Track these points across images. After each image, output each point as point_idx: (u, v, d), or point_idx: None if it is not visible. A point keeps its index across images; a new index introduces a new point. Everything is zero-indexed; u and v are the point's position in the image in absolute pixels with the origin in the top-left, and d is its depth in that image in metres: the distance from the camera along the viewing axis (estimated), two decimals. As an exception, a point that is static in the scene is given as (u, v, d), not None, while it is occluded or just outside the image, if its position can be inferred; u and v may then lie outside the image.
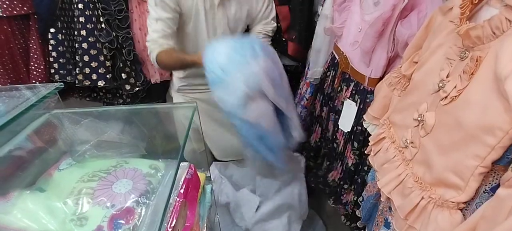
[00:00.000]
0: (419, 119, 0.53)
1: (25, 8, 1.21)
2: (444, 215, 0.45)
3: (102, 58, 1.15)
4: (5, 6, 1.18)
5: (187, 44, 1.00)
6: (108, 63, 1.18)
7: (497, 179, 0.40)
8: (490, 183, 0.40)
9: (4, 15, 1.18)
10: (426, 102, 0.53)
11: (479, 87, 0.42)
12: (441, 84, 0.49)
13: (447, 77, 0.49)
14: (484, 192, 0.41)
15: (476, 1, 0.46)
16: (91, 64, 1.15)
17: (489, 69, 0.41)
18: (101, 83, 1.17)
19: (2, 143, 0.62)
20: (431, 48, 0.55)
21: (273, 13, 1.07)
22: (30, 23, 1.26)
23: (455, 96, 0.46)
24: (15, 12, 1.20)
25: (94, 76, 1.16)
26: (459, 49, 0.48)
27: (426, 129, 0.51)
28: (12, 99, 0.75)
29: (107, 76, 1.18)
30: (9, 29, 1.23)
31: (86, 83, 1.18)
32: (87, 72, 1.16)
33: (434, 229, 0.46)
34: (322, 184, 1.02)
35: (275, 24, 1.09)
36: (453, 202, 0.43)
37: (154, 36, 0.89)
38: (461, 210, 0.44)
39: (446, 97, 0.48)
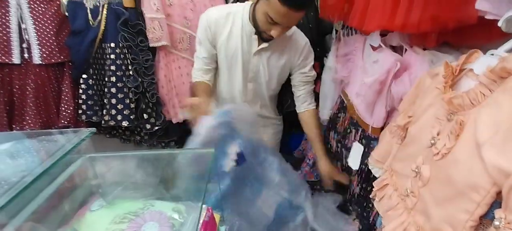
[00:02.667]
0: (417, 170, 0.59)
1: (62, 57, 1.36)
2: (442, 263, 0.49)
3: (127, 101, 1.27)
4: (45, 55, 1.33)
5: (222, 81, 1.13)
6: (132, 106, 1.29)
7: (486, 232, 0.45)
8: (480, 236, 0.45)
9: (43, 63, 1.33)
10: (422, 155, 0.59)
11: (464, 149, 0.48)
12: (432, 141, 0.55)
13: (437, 135, 0.55)
14: (475, 243, 0.45)
15: (457, 73, 0.54)
16: (118, 106, 1.27)
17: (471, 133, 0.47)
18: (125, 123, 1.28)
19: (43, 186, 0.70)
20: (422, 106, 0.63)
21: (311, 63, 1.13)
22: (64, 69, 1.40)
23: (445, 153, 0.52)
24: (53, 60, 1.35)
25: (119, 117, 1.28)
26: (446, 111, 0.55)
27: (423, 180, 0.56)
28: (50, 143, 0.84)
29: (131, 117, 1.29)
30: (46, 75, 1.37)
31: (111, 123, 1.29)
32: (113, 113, 1.27)
33: (435, 276, 0.50)
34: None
35: (314, 72, 1.15)
36: (449, 252, 0.47)
37: (196, 67, 1.11)
38: (457, 259, 0.48)
39: (438, 153, 0.54)
